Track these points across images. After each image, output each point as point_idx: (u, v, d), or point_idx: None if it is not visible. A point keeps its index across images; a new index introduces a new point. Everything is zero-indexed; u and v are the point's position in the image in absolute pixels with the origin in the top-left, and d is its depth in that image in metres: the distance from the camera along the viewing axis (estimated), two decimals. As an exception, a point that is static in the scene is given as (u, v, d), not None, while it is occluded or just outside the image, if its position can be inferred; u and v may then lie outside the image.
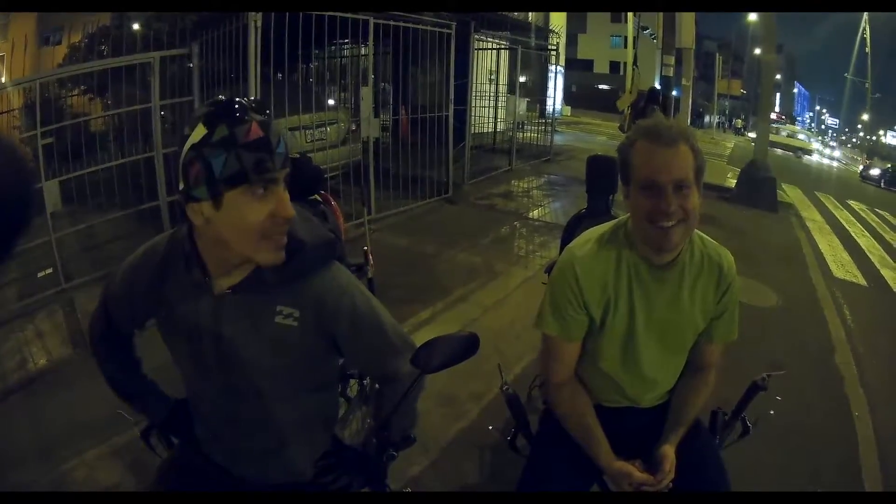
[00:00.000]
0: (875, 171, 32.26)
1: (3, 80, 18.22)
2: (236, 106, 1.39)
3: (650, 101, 10.82)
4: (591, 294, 1.95)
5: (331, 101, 11.22)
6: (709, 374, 2.11)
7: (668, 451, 1.93)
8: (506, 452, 2.43)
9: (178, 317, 1.63)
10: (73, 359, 5.27)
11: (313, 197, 3.08)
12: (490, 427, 3.63)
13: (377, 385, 1.86)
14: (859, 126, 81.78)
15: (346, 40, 10.18)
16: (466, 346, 1.72)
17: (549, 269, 2.34)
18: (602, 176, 3.20)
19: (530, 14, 16.38)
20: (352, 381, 3.09)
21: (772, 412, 2.54)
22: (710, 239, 2.05)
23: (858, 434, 4.14)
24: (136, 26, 12.02)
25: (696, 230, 1.95)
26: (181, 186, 1.45)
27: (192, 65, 7.74)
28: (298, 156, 3.43)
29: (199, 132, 1.38)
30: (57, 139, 8.07)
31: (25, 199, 0.91)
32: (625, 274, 1.96)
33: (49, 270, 6.85)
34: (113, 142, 11.05)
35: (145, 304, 1.70)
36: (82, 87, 13.14)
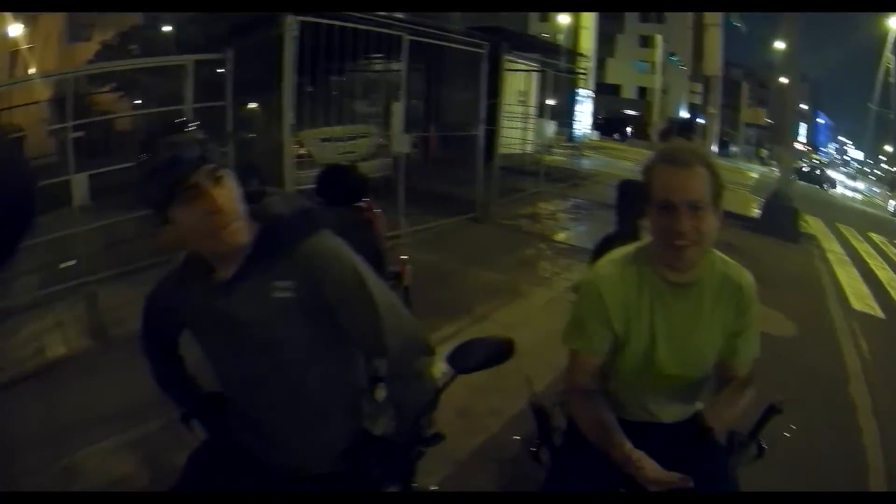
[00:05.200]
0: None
1: (32, 72, 18.38)
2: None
3: (682, 131, 10.76)
4: (614, 311, 2.00)
5: (361, 114, 11.32)
6: (739, 385, 2.07)
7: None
8: (522, 466, 2.48)
9: (199, 317, 1.76)
10: (92, 350, 5.30)
11: (357, 204, 3.17)
12: (515, 438, 3.59)
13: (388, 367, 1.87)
14: (882, 158, 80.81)
15: (379, 55, 10.24)
16: (503, 349, 1.76)
17: (575, 289, 2.37)
18: (631, 200, 3.24)
19: (559, 36, 16.44)
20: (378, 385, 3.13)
21: (787, 434, 2.54)
22: (730, 260, 2.07)
23: (869, 463, 4.11)
24: (167, 28, 12.18)
25: (716, 252, 2.00)
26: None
27: (222, 70, 7.85)
28: (342, 165, 3.50)
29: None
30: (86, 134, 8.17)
31: (27, 200, 0.94)
32: (646, 292, 2.00)
33: (72, 262, 6.91)
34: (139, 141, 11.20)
35: (176, 315, 1.83)
36: (113, 85, 13.34)
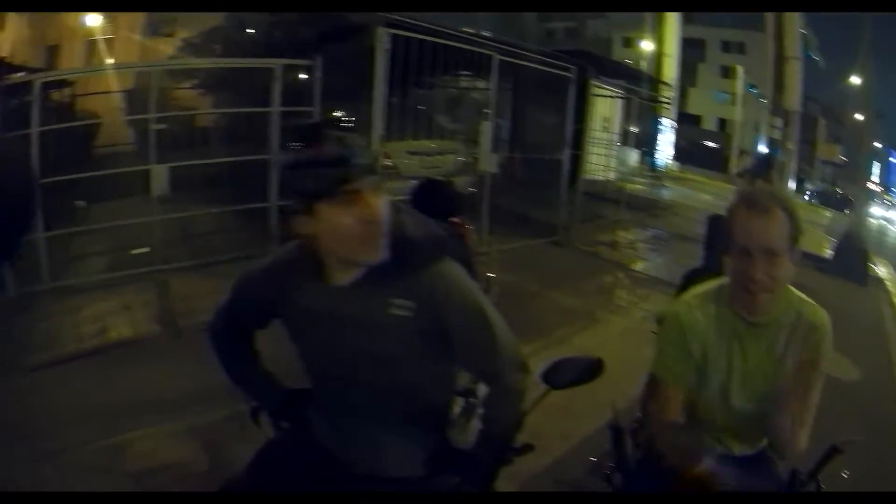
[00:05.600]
0: None
1: (109, 62, 18.88)
2: (315, 128, 1.62)
3: (762, 168, 10.60)
4: (694, 344, 2.06)
5: (444, 130, 11.32)
6: (801, 432, 2.06)
7: None
8: (584, 488, 2.58)
9: (302, 313, 1.78)
10: (159, 336, 5.41)
11: (452, 219, 3.21)
12: (591, 459, 3.58)
13: (485, 392, 1.94)
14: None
15: (465, 72, 10.23)
16: (593, 368, 1.88)
17: (658, 320, 2.42)
18: (719, 235, 3.17)
19: (643, 63, 16.28)
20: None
21: (845, 474, 2.42)
22: (806, 298, 2.09)
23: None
24: (251, 30, 12.38)
25: (793, 289, 2.05)
26: (286, 201, 1.67)
27: (305, 76, 7.89)
28: (440, 180, 3.48)
29: (289, 154, 1.63)
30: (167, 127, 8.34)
31: (28, 199, 0.95)
32: (724, 329, 2.05)
33: (146, 249, 7.02)
34: (220, 139, 11.38)
35: (273, 306, 1.85)
36: (194, 81, 13.64)
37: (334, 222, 1.58)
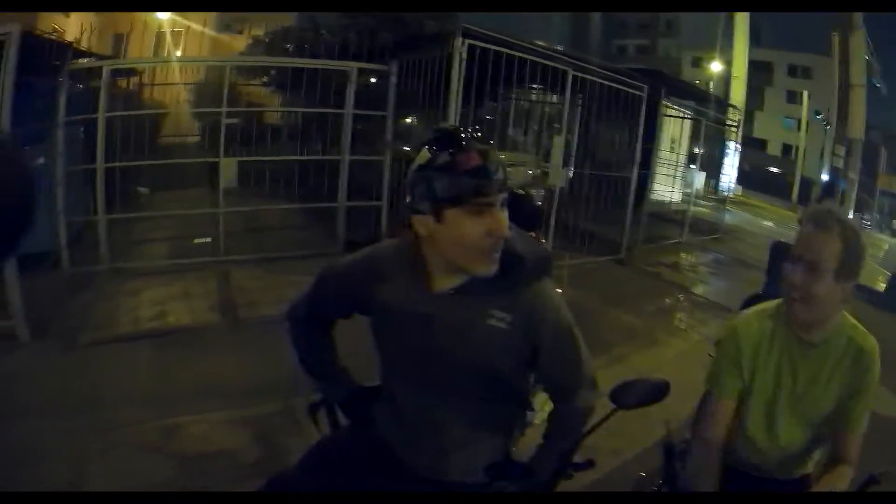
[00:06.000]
0: None
1: (178, 55, 19.26)
2: (460, 134, 1.61)
3: (826, 193, 10.41)
4: (746, 357, 2.12)
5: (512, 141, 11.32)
6: (841, 472, 2.10)
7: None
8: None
9: (393, 312, 1.80)
10: (218, 325, 5.53)
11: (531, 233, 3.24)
12: (641, 474, 3.58)
13: (554, 406, 1.95)
14: None
15: (536, 86, 10.24)
16: (659, 390, 1.94)
17: (717, 343, 2.47)
18: (781, 262, 3.19)
19: (711, 84, 16.09)
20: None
21: None
22: (857, 324, 2.12)
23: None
24: (323, 31, 12.58)
25: (847, 315, 2.09)
26: (407, 199, 1.66)
27: (374, 80, 8.00)
28: (522, 192, 3.54)
29: (424, 156, 1.61)
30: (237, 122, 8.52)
31: (27, 200, 0.95)
32: (777, 345, 2.11)
33: (207, 239, 7.20)
34: (289, 137, 11.58)
35: (360, 299, 1.87)
36: (264, 79, 13.89)
37: (461, 231, 1.60)
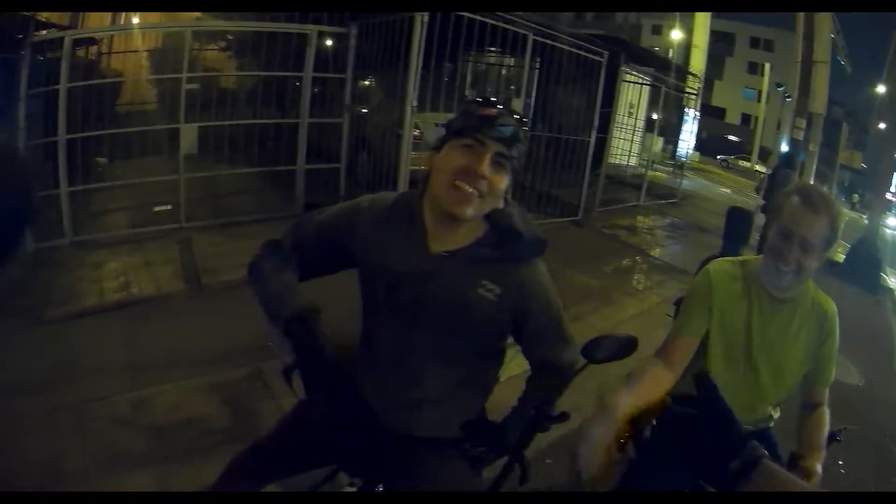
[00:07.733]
0: None
1: (135, 21, 18.78)
2: (492, 99, 1.73)
3: (784, 164, 10.58)
4: (717, 299, 2.24)
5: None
6: (821, 411, 2.31)
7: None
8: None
9: (386, 267, 1.84)
10: (182, 293, 5.51)
11: None
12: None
13: (534, 369, 2.04)
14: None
15: (495, 49, 10.23)
16: (627, 346, 1.97)
17: (676, 302, 2.60)
18: (739, 225, 3.29)
19: (671, 52, 16.15)
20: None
21: (840, 462, 2.77)
22: (820, 290, 2.30)
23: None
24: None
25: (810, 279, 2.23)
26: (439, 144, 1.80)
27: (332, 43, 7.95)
28: None
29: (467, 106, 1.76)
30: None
31: (27, 198, 0.97)
32: (750, 294, 2.24)
33: (168, 207, 7.13)
34: (247, 102, 11.41)
35: (352, 249, 1.90)
36: (221, 44, 13.61)
37: (447, 159, 1.71)
